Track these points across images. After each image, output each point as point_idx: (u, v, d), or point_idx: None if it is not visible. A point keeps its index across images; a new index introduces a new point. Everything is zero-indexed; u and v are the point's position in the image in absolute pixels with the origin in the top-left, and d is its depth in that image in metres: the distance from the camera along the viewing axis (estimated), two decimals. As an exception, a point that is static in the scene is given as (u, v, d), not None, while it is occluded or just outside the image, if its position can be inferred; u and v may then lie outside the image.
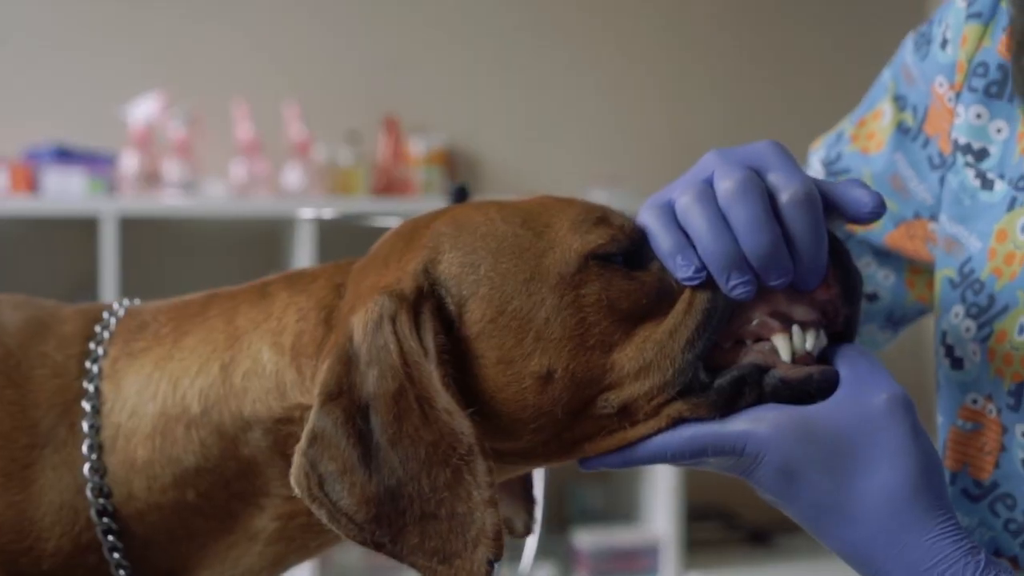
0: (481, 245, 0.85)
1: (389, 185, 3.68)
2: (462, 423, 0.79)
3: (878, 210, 0.85)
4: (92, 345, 0.92)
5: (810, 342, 0.85)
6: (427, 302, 0.83)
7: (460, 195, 1.39)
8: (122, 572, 0.89)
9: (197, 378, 0.88)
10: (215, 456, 0.88)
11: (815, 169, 1.19)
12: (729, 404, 0.82)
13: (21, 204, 3.22)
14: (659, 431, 0.83)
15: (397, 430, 0.79)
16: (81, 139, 3.46)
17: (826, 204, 0.85)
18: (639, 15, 4.06)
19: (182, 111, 3.43)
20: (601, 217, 0.86)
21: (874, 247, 1.16)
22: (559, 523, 3.78)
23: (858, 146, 1.15)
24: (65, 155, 3.31)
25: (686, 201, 0.83)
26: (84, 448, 0.88)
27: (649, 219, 0.85)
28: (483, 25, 3.94)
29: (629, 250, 0.85)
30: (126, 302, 0.97)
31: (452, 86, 3.91)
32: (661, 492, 3.58)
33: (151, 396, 0.89)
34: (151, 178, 3.38)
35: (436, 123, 3.85)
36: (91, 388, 0.89)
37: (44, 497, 0.87)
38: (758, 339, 0.85)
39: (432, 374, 0.80)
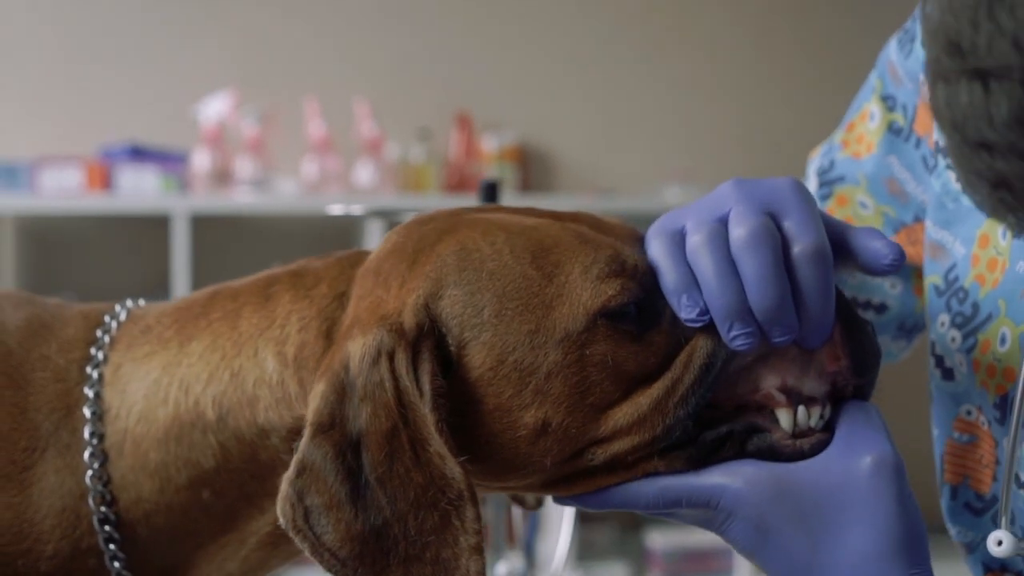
0: (487, 285, 0.81)
1: (461, 182, 3.67)
2: (453, 468, 0.78)
3: (896, 263, 0.81)
4: (93, 350, 0.91)
5: (814, 420, 0.82)
6: (427, 340, 0.80)
7: (490, 192, 1.36)
8: (119, 565, 0.88)
9: (209, 385, 0.87)
10: (235, 458, 0.87)
11: (811, 181, 1.15)
12: (707, 458, 0.81)
13: (96, 202, 3.26)
14: (631, 480, 0.82)
15: (387, 469, 0.78)
16: (154, 138, 3.50)
17: (844, 251, 0.83)
18: (712, 10, 4.01)
19: (255, 109, 3.46)
20: (613, 259, 0.82)
21: None
22: (632, 523, 3.76)
23: (849, 152, 1.11)
24: (139, 153, 3.35)
25: (697, 241, 0.80)
26: (86, 456, 0.87)
27: (658, 252, 0.82)
28: (556, 20, 3.92)
29: (642, 298, 0.81)
30: (129, 303, 0.96)
31: (525, 82, 3.90)
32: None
33: (161, 401, 0.88)
34: (223, 176, 3.41)
35: (509, 120, 3.84)
36: (91, 394, 0.89)
37: (44, 501, 0.87)
38: (761, 407, 0.82)
39: (427, 417, 0.78)
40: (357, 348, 0.80)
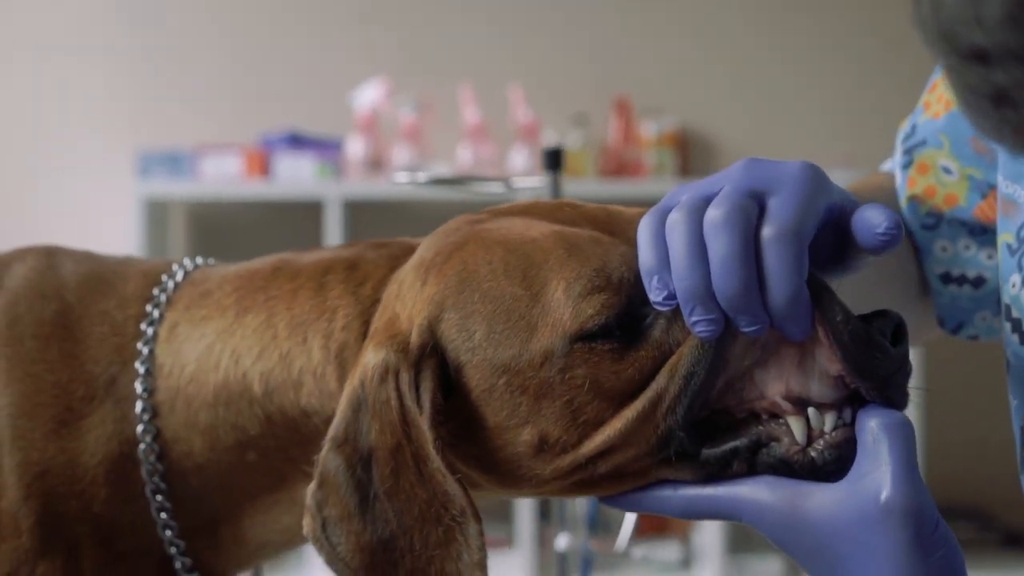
0: (479, 309, 0.83)
1: (619, 168, 3.65)
2: (453, 486, 0.80)
3: (891, 232, 0.76)
4: (150, 308, 0.95)
5: (828, 423, 0.78)
6: (429, 361, 0.83)
7: (553, 158, 1.36)
8: (166, 515, 0.92)
9: (258, 361, 0.91)
10: (280, 428, 0.91)
11: (896, 151, 1.08)
12: (717, 473, 0.80)
13: (254, 188, 3.35)
14: (647, 487, 0.82)
15: (394, 484, 0.81)
16: (312, 125, 3.58)
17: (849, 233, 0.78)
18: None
19: (410, 97, 3.50)
20: (598, 273, 0.81)
21: (968, 225, 1.04)
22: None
23: (930, 113, 1.05)
24: (297, 141, 3.43)
25: (673, 219, 0.76)
26: (138, 409, 0.92)
27: (642, 230, 0.79)
28: (715, 3, 3.85)
29: (625, 311, 0.80)
30: (187, 262, 0.99)
31: (684, 67, 3.84)
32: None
33: (213, 366, 0.92)
34: (377, 163, 3.46)
35: (668, 105, 3.79)
36: (145, 351, 0.93)
37: (101, 448, 0.91)
38: (773, 415, 0.79)
39: (426, 435, 0.81)
40: (371, 363, 0.83)
